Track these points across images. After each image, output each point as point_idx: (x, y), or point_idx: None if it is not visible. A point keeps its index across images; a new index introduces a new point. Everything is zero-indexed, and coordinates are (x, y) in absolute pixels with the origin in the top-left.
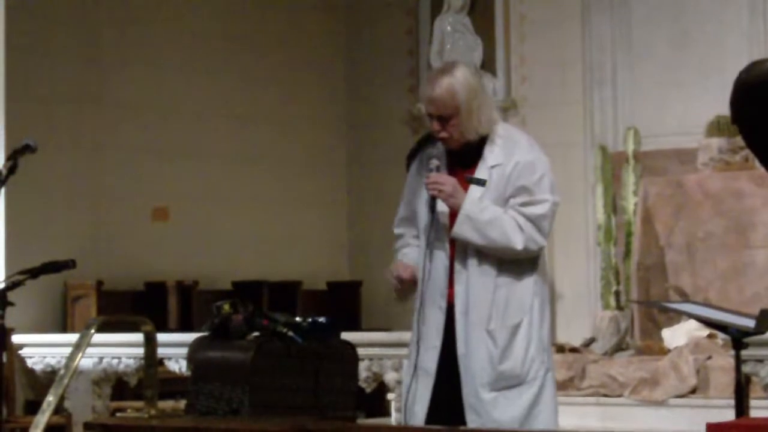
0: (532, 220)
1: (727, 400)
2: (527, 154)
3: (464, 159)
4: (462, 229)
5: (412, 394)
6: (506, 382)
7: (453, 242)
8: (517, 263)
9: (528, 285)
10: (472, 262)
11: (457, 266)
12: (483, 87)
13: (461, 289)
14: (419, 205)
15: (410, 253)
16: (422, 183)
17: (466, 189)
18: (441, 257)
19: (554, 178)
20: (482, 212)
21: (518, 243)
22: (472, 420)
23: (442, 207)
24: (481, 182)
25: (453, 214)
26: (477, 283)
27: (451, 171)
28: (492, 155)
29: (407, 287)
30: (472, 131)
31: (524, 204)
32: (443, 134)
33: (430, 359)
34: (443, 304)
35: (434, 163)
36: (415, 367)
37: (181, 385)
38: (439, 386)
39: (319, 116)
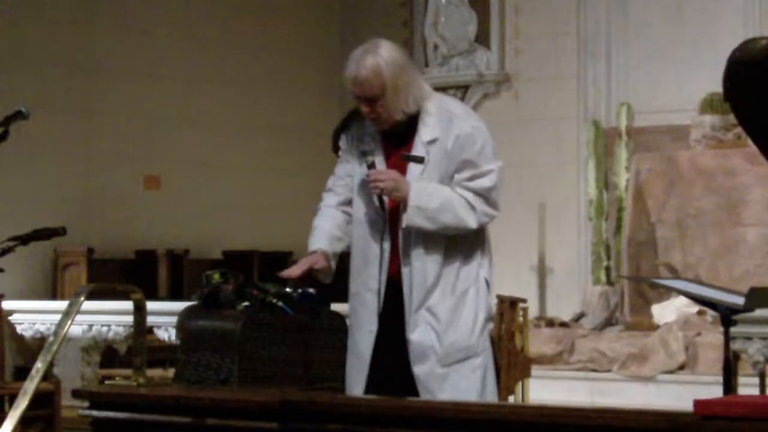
0: (482, 194)
1: (715, 376)
2: (464, 125)
3: (399, 137)
4: (413, 220)
5: (351, 379)
6: (456, 356)
7: (393, 227)
8: (463, 238)
9: (475, 256)
10: (418, 244)
11: (403, 250)
12: (410, 63)
13: (407, 271)
14: (358, 192)
15: (324, 227)
16: (358, 162)
17: (403, 168)
18: (376, 240)
19: (493, 142)
20: (430, 199)
21: (471, 222)
22: (426, 398)
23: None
24: (419, 159)
25: (395, 202)
26: (424, 263)
27: (386, 151)
28: (427, 130)
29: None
30: (398, 111)
31: (471, 178)
32: (372, 115)
33: (366, 342)
34: (376, 286)
35: (369, 159)
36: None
37: (170, 354)
38: (374, 369)
39: (313, 85)
